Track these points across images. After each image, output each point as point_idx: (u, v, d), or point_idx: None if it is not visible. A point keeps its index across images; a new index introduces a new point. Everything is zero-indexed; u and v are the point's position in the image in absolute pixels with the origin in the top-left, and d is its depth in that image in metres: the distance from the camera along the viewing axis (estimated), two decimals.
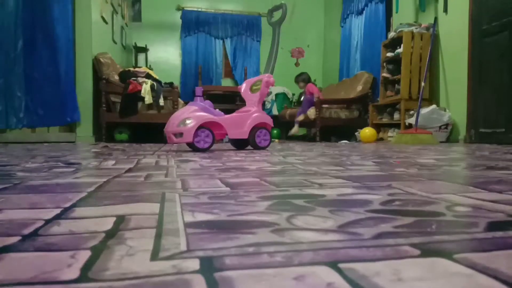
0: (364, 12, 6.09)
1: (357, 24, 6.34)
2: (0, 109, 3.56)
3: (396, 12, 5.08)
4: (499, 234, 0.44)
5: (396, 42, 4.60)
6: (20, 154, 2.01)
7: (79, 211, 0.57)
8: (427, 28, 4.36)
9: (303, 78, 5.86)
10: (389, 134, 4.69)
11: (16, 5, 3.55)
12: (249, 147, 2.78)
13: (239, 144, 2.83)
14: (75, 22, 4.21)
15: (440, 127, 3.96)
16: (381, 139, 4.84)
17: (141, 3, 7.26)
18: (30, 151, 2.31)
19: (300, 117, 5.44)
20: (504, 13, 3.45)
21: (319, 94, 5.52)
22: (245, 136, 2.64)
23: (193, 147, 2.46)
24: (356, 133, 5.06)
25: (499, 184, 0.85)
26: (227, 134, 2.64)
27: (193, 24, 7.43)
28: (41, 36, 3.75)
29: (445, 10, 4.19)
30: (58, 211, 0.57)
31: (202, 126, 2.44)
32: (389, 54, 4.75)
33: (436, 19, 4.29)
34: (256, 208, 0.59)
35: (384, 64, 4.87)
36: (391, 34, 4.71)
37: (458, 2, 4.01)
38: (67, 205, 0.62)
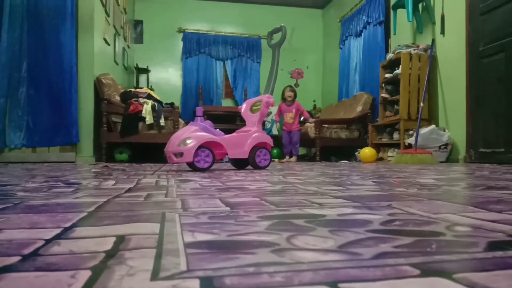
0: (362, 34, 6.19)
1: (356, 45, 6.43)
2: (2, 128, 3.57)
3: (394, 34, 5.16)
4: (499, 254, 0.44)
5: (394, 63, 4.66)
6: (20, 174, 2.01)
7: (79, 231, 0.57)
8: (425, 50, 4.43)
9: (293, 89, 5.20)
10: (389, 154, 4.70)
11: (21, 28, 3.62)
12: (249, 166, 2.78)
13: (239, 164, 2.83)
14: (77, 44, 4.27)
15: (439, 147, 3.97)
16: (381, 159, 4.84)
17: (143, 26, 7.40)
18: (30, 171, 2.31)
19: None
20: (499, 35, 3.51)
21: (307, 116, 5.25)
22: (245, 156, 2.65)
23: (193, 167, 2.46)
24: (356, 153, 5.07)
25: (499, 204, 0.85)
26: (227, 154, 2.64)
27: (194, 46, 7.55)
28: (44, 59, 3.80)
29: (442, 32, 4.26)
30: (58, 231, 0.57)
31: (203, 146, 2.45)
32: (387, 75, 4.81)
33: (433, 40, 4.35)
34: (256, 228, 0.59)
35: (383, 85, 4.92)
36: (390, 56, 4.78)
37: (455, 24, 4.08)
38: (67, 225, 0.61)
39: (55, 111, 3.94)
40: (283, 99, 5.13)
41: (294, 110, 5.09)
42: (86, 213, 0.74)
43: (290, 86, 5.29)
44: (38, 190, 1.18)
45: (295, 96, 5.12)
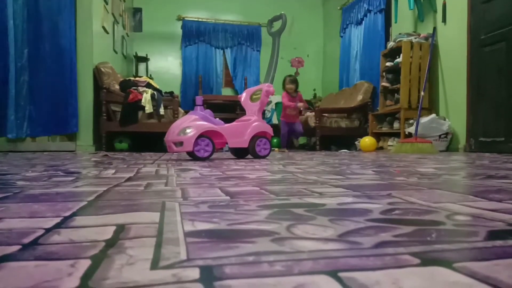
0: (363, 22, 6.14)
1: (357, 34, 6.38)
2: (6, 117, 3.57)
3: (395, 22, 5.12)
4: (499, 243, 0.44)
5: (395, 52, 4.63)
6: (20, 163, 2.01)
7: (79, 220, 0.57)
8: (426, 38, 4.39)
9: (293, 79, 4.90)
10: (389, 143, 4.70)
11: (22, 17, 3.59)
12: (249, 156, 2.78)
13: (239, 153, 2.83)
14: (76, 32, 4.24)
15: (439, 136, 3.97)
16: (381, 148, 4.84)
17: (142, 14, 7.33)
18: (30, 160, 2.31)
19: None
20: (500, 24, 3.48)
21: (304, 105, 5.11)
22: (245, 145, 2.65)
23: (193, 156, 2.46)
24: (356, 142, 5.07)
25: (499, 193, 0.85)
26: (227, 143, 2.64)
27: (194, 34, 7.49)
28: (44, 47, 3.77)
29: (444, 20, 4.22)
30: (58, 220, 0.57)
31: (202, 135, 2.45)
32: (388, 64, 4.78)
33: (435, 29, 4.32)
34: (256, 217, 0.59)
35: (384, 73, 4.90)
36: (390, 44, 4.75)
37: (456, 13, 4.04)
38: (67, 214, 0.61)
39: (55, 100, 3.92)
40: (285, 90, 4.91)
41: (296, 101, 4.92)
42: (86, 202, 0.74)
43: (289, 76, 4.97)
44: (38, 179, 1.18)
45: (297, 86, 4.87)
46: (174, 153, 3.48)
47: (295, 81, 4.88)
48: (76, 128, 4.12)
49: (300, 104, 4.90)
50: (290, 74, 5.43)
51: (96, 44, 4.49)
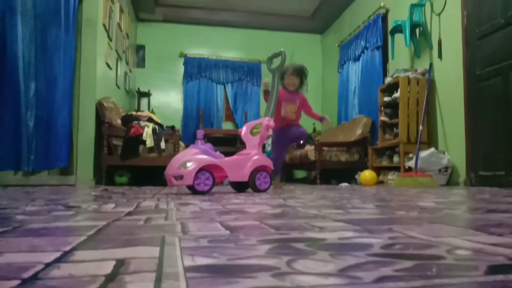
0: (361, 58, 6.28)
1: (355, 69, 6.52)
2: (4, 152, 3.59)
3: (392, 59, 5.24)
4: (499, 277, 0.44)
5: (393, 87, 4.71)
6: (20, 197, 2.01)
7: (79, 255, 0.57)
8: (423, 74, 4.48)
9: (297, 69, 3.41)
10: (389, 177, 4.69)
11: (29, 53, 3.70)
12: (249, 189, 2.78)
13: (239, 187, 2.82)
14: (80, 68, 4.33)
15: (439, 170, 3.97)
16: (382, 182, 4.83)
17: (145, 50, 7.52)
18: (29, 194, 2.30)
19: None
20: (495, 59, 3.57)
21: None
22: (245, 179, 2.64)
23: (193, 190, 2.46)
24: (356, 176, 5.06)
25: (500, 227, 0.85)
26: (227, 177, 2.64)
27: (195, 70, 7.66)
28: (46, 82, 3.86)
29: (440, 56, 4.32)
30: (58, 254, 0.57)
31: (203, 169, 2.45)
32: (386, 99, 4.85)
33: (431, 64, 4.42)
34: (256, 251, 0.59)
35: (382, 108, 4.96)
36: (388, 79, 4.84)
37: (452, 49, 4.15)
38: (67, 248, 0.61)
39: (56, 134, 3.96)
40: (283, 86, 3.42)
41: (298, 102, 3.47)
42: (86, 237, 0.73)
43: (293, 65, 3.43)
44: (38, 213, 1.17)
45: (302, 82, 3.42)
46: (174, 187, 3.47)
47: (301, 72, 3.39)
48: (66, 162, 4.09)
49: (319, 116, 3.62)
50: (295, 63, 3.57)
51: (100, 80, 4.58)
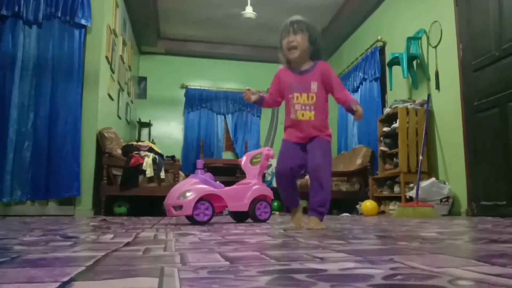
0: (359, 89, 6.37)
1: None
2: (8, 182, 3.60)
3: (390, 90, 5.31)
4: None
5: (392, 118, 4.75)
6: (18, 228, 1.99)
7: (77, 286, 0.56)
8: (421, 104, 4.53)
9: (307, 26, 2.07)
10: (391, 207, 4.65)
11: (30, 84, 3.77)
12: (249, 219, 2.75)
13: (239, 217, 2.80)
14: (82, 99, 4.39)
15: (441, 200, 3.95)
16: (383, 212, 4.79)
17: (147, 82, 7.65)
18: (28, 224, 2.28)
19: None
20: (492, 91, 3.62)
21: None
22: (245, 209, 2.63)
23: (192, 220, 2.44)
24: (357, 206, 5.02)
25: (502, 258, 0.84)
26: (227, 207, 2.62)
27: (196, 101, 7.77)
28: (50, 114, 3.91)
29: (437, 87, 4.39)
30: (56, 285, 0.56)
31: (202, 199, 2.44)
32: (385, 129, 4.89)
33: (429, 95, 4.47)
34: (256, 283, 0.58)
35: (381, 138, 4.99)
36: (387, 110, 4.89)
37: (449, 80, 4.21)
38: (66, 279, 0.61)
39: (58, 165, 3.97)
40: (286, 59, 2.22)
41: (315, 85, 2.07)
42: (84, 267, 0.73)
43: (296, 22, 2.08)
44: (36, 244, 1.16)
45: (314, 48, 2.10)
46: (173, 217, 3.44)
47: (307, 27, 2.08)
48: (78, 192, 4.11)
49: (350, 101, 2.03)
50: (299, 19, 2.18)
51: (101, 110, 4.63)
